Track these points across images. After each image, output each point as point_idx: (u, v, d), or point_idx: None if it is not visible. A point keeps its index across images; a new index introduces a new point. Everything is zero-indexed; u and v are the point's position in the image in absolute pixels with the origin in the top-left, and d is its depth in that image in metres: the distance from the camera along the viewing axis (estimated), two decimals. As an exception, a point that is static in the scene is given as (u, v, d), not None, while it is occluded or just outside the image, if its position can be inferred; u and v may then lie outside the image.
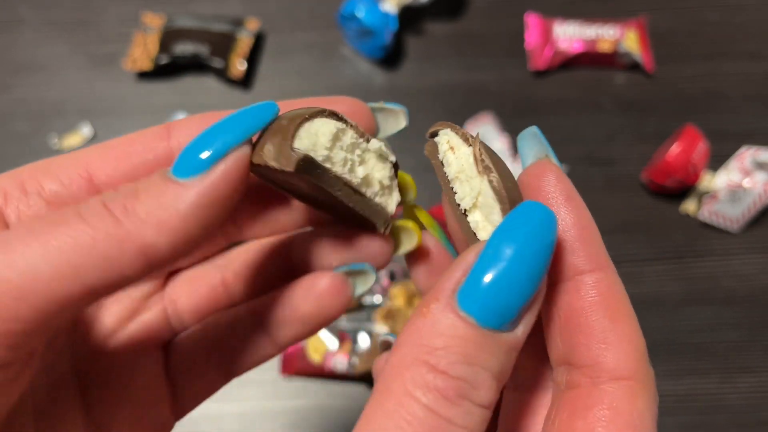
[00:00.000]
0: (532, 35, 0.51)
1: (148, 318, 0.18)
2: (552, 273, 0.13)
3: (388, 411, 0.12)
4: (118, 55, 0.51)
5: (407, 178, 0.17)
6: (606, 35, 0.50)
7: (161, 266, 0.13)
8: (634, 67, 0.50)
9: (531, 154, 0.14)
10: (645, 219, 0.45)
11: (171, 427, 0.19)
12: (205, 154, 0.13)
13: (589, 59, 0.50)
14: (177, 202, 0.13)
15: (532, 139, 0.15)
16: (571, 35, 0.50)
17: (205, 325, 0.20)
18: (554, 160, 0.14)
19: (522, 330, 0.13)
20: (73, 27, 0.53)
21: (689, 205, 0.45)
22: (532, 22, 0.51)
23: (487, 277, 0.12)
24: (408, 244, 0.16)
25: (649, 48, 0.51)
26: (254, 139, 0.14)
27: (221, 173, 0.13)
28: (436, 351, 0.12)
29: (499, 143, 0.44)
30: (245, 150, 0.13)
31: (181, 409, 0.19)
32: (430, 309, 0.12)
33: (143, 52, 0.50)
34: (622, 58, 0.49)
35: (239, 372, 0.20)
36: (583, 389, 0.13)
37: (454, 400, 0.12)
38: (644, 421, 0.13)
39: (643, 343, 0.14)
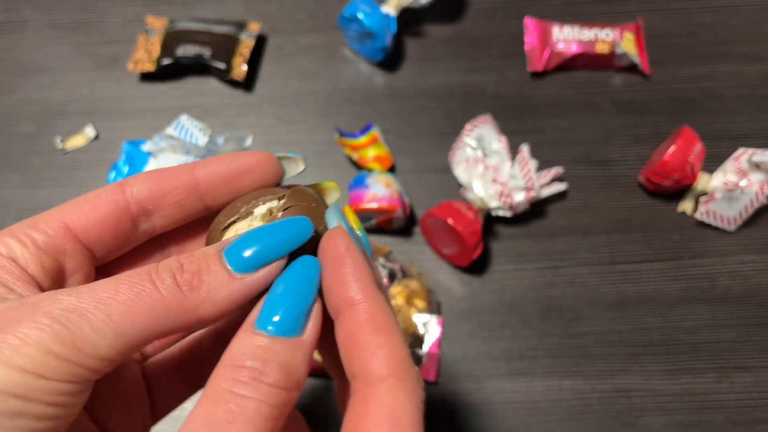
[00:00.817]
0: (530, 37, 0.51)
1: None
2: (335, 305, 0.18)
3: (201, 400, 0.17)
4: (121, 57, 0.52)
5: (329, 184, 0.23)
6: (603, 37, 0.50)
7: (204, 327, 0.19)
8: (632, 68, 0.51)
9: (332, 223, 0.20)
10: (642, 219, 0.45)
11: (150, 428, 0.24)
12: (255, 259, 0.18)
13: (587, 61, 0.50)
14: (229, 290, 0.18)
15: (333, 214, 0.20)
16: (568, 37, 0.50)
17: (173, 347, 0.24)
18: (345, 227, 0.20)
19: (308, 333, 0.18)
20: (75, 28, 0.53)
21: (686, 205, 0.45)
22: (530, 24, 0.52)
23: (271, 306, 0.18)
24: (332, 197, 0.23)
25: (646, 50, 0.51)
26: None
27: (264, 275, 0.18)
28: (238, 356, 0.17)
29: (497, 144, 0.44)
30: (283, 261, 0.19)
31: (157, 415, 0.24)
32: (238, 335, 0.18)
33: (146, 53, 0.50)
34: (620, 59, 0.50)
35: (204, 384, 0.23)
36: (356, 393, 0.17)
37: (247, 382, 0.16)
38: (403, 411, 0.16)
39: (404, 350, 0.17)
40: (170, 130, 0.47)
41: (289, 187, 0.22)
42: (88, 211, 0.20)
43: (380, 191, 0.42)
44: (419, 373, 0.18)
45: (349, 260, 0.18)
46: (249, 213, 0.20)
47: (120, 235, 0.21)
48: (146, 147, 0.46)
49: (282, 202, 0.20)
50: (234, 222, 0.20)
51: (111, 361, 0.17)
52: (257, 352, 0.17)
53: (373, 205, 0.42)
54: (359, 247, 0.19)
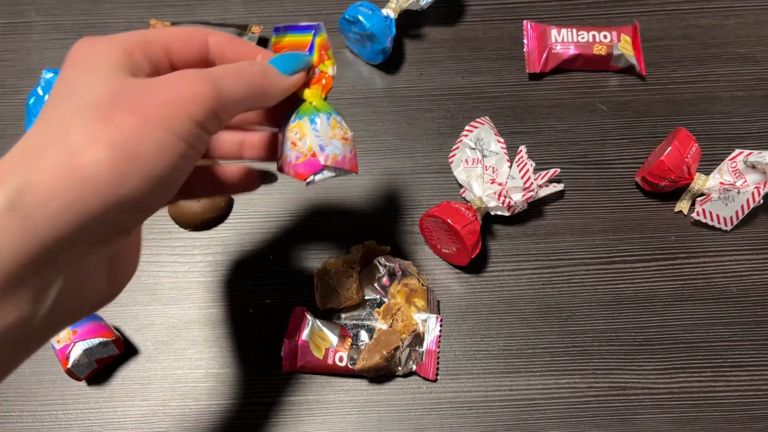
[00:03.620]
0: (528, 40, 0.52)
1: None
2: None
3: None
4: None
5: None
6: (601, 39, 0.51)
7: (265, 106, 0.27)
8: (628, 70, 0.51)
9: None
10: (638, 219, 0.46)
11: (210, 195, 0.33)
12: (293, 66, 0.28)
13: (584, 62, 0.51)
14: (282, 82, 0.27)
15: None
16: (566, 39, 0.51)
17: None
18: None
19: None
20: (80, 31, 0.54)
21: (682, 206, 0.46)
22: (528, 27, 0.52)
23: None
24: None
25: (642, 51, 0.52)
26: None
27: (298, 77, 0.28)
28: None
29: (495, 145, 0.45)
30: (305, 72, 0.29)
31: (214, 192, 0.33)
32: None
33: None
34: (617, 61, 0.51)
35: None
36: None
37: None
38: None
39: None
40: None
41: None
42: (184, 46, 0.26)
43: (332, 149, 0.28)
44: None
45: None
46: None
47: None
48: None
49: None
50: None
51: (230, 118, 0.25)
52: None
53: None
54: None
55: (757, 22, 0.53)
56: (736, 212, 0.44)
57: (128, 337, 0.42)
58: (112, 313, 0.42)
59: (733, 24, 0.53)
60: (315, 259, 0.44)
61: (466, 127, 0.46)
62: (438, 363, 0.41)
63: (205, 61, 0.27)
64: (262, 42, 0.53)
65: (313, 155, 0.27)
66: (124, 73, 0.23)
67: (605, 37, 0.51)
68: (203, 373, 0.41)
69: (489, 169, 0.44)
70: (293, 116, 0.28)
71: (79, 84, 0.22)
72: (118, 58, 0.23)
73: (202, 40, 0.26)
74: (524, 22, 0.52)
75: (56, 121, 0.21)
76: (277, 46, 0.30)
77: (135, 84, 0.22)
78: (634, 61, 0.50)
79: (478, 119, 0.47)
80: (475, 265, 0.44)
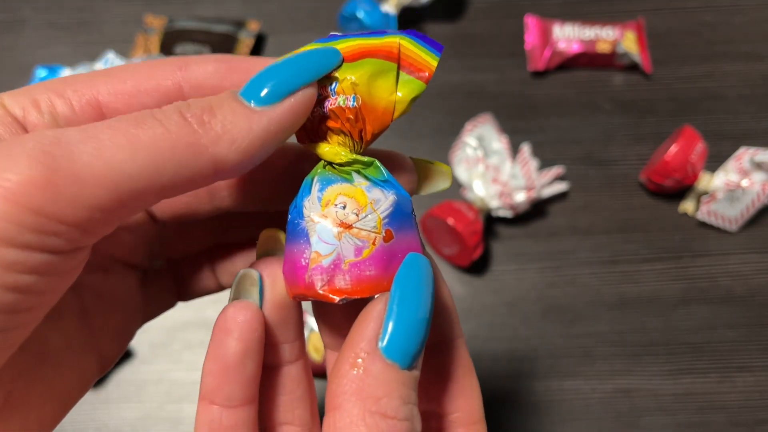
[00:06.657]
0: (531, 36, 0.51)
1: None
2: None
3: None
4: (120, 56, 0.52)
5: (442, 166, 0.19)
6: (605, 36, 0.50)
7: (223, 178, 0.15)
8: (633, 67, 0.51)
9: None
10: (643, 219, 0.45)
11: (134, 334, 0.21)
12: (277, 87, 0.15)
13: (588, 60, 0.50)
14: (250, 125, 0.14)
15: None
16: (569, 36, 0.50)
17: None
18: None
19: (420, 365, 0.15)
20: (75, 28, 0.53)
21: (687, 205, 0.45)
22: (531, 23, 0.52)
23: (400, 325, 0.14)
24: (442, 184, 0.19)
25: (647, 49, 0.51)
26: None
27: (290, 106, 0.15)
28: (381, 400, 0.14)
29: (497, 144, 0.44)
30: (312, 90, 0.15)
31: (144, 320, 0.22)
32: (360, 364, 0.14)
33: (145, 53, 0.50)
34: (621, 58, 0.50)
35: (186, 299, 0.23)
36: (452, 427, 0.17)
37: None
38: None
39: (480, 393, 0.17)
40: (98, 65, 0.47)
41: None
42: (129, 96, 0.16)
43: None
44: None
45: (445, 293, 0.17)
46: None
47: None
48: (65, 73, 0.45)
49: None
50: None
51: (104, 212, 0.13)
52: (402, 393, 0.14)
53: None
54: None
55: (763, 19, 0.52)
56: (742, 212, 0.43)
57: (124, 340, 0.41)
58: (107, 314, 0.42)
59: (739, 21, 0.52)
60: (314, 259, 0.44)
61: (468, 126, 0.46)
62: (439, 366, 0.40)
63: None
64: (260, 40, 0.52)
65: (388, 235, 0.15)
66: None
67: (609, 34, 0.50)
68: (199, 376, 0.40)
69: (491, 169, 0.44)
70: (317, 179, 0.17)
71: None
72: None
73: (168, 83, 0.16)
74: (526, 17, 0.52)
75: None
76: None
77: None
78: (638, 59, 0.49)
79: (479, 117, 0.46)
80: (477, 266, 0.43)
